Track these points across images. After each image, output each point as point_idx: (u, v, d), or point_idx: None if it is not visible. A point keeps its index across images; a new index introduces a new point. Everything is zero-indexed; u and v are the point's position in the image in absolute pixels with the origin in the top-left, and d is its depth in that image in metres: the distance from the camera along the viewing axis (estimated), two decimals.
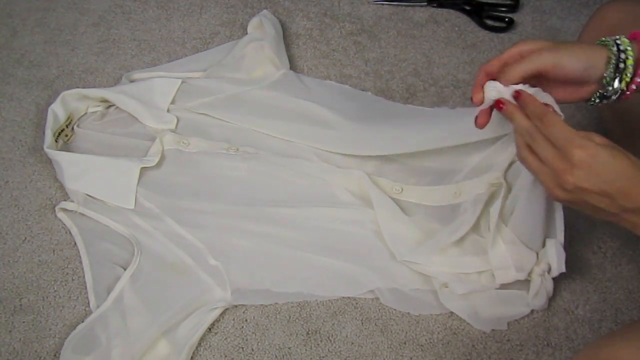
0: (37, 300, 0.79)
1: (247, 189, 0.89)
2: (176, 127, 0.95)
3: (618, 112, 0.85)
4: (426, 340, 0.78)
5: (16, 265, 0.82)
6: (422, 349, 0.77)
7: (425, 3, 1.19)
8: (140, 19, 1.14)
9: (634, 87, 0.61)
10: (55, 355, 0.75)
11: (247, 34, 1.09)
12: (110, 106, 0.98)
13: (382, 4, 1.19)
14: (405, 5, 1.19)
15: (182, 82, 1.00)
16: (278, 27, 1.09)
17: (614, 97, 0.62)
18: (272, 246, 0.83)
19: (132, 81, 1.02)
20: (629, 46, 0.60)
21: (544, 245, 0.77)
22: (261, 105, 0.97)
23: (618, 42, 0.60)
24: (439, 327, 0.79)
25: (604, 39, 0.62)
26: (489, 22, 1.16)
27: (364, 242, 0.85)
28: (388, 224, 0.84)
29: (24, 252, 0.84)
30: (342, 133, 0.93)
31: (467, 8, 1.17)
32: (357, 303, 0.81)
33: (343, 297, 0.81)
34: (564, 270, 0.76)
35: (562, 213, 0.75)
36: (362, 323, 0.79)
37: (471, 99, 0.64)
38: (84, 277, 0.81)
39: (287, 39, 1.11)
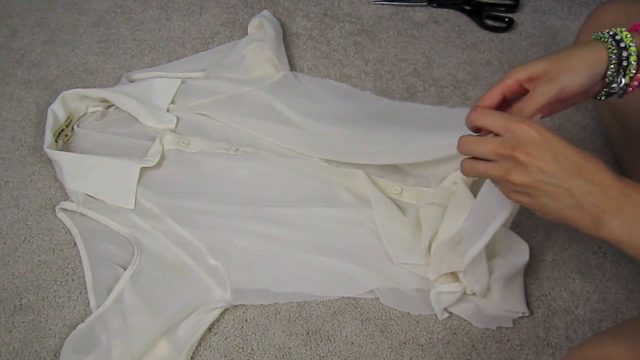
0: (37, 300, 0.79)
1: (247, 189, 0.89)
2: (176, 127, 0.95)
3: (615, 111, 0.86)
4: (426, 340, 0.78)
5: (16, 265, 0.82)
6: (422, 349, 0.77)
7: (425, 3, 1.19)
8: (140, 19, 1.14)
9: (636, 83, 0.59)
10: (55, 355, 0.75)
11: (247, 34, 1.09)
12: (110, 106, 0.98)
13: (382, 4, 1.19)
14: (405, 5, 1.19)
15: (182, 82, 1.00)
16: (278, 28, 1.09)
17: (620, 92, 0.60)
18: (272, 246, 0.83)
19: (132, 81, 1.02)
20: (631, 42, 0.58)
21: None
22: (260, 107, 0.97)
23: (617, 36, 0.58)
24: (439, 327, 0.79)
25: (600, 33, 0.60)
26: (489, 22, 1.16)
27: (364, 242, 0.84)
28: (386, 225, 0.84)
29: (24, 252, 0.84)
30: (335, 142, 0.92)
31: (467, 8, 1.17)
32: (357, 303, 0.81)
33: (343, 297, 0.81)
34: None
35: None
36: (362, 323, 0.79)
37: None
38: (84, 277, 0.80)
39: (287, 39, 1.11)
